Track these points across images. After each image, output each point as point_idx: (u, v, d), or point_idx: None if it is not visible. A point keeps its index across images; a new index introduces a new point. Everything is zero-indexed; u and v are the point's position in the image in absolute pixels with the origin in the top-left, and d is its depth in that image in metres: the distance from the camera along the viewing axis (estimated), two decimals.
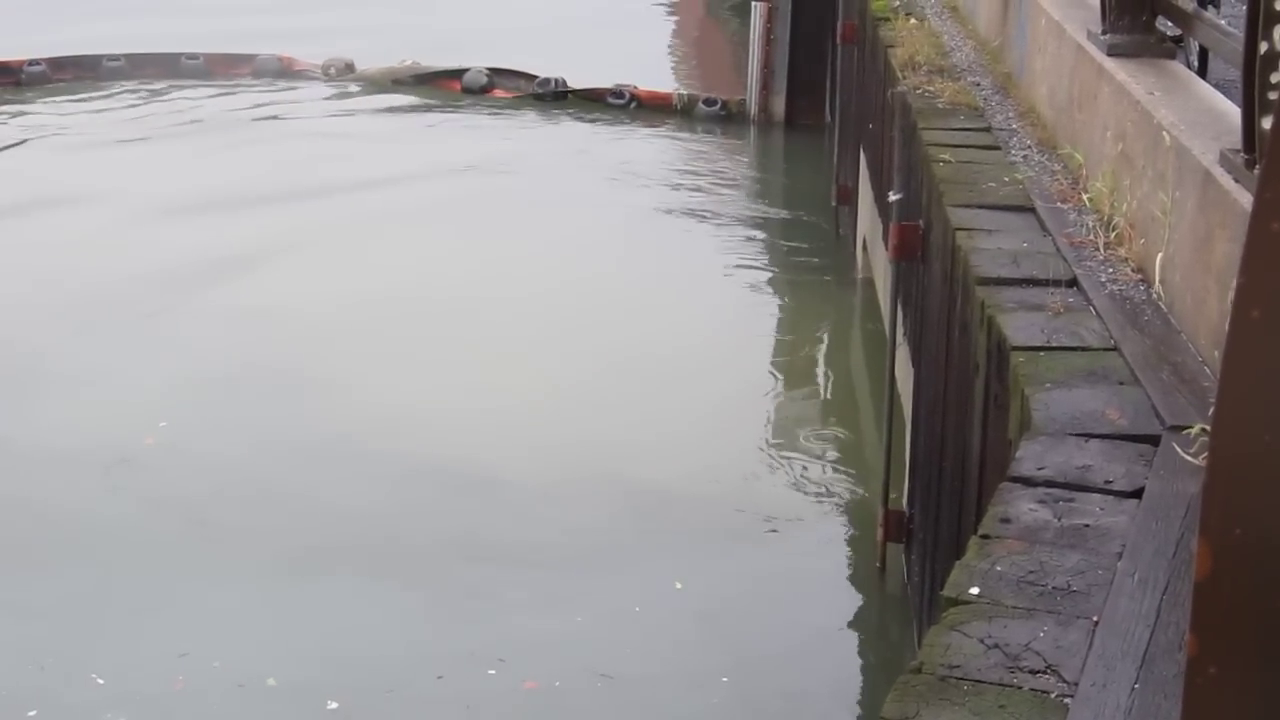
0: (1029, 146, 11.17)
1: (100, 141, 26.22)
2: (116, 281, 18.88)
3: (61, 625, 11.64)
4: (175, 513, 13.31)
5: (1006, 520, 5.93)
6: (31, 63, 30.50)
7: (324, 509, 13.31)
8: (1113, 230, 8.91)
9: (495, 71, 30.31)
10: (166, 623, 11.64)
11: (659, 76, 31.40)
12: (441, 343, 16.98)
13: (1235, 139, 7.25)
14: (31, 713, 10.55)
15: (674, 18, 40.52)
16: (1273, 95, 6.69)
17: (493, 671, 10.96)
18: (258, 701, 10.71)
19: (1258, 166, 6.81)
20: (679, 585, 12.15)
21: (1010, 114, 12.19)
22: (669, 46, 37.21)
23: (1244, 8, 6.98)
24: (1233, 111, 7.90)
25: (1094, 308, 8.03)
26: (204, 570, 12.38)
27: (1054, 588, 5.43)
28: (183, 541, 12.86)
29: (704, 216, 22.44)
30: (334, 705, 10.57)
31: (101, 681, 10.92)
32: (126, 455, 14.30)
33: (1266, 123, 6.71)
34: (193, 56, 31.35)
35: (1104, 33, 9.99)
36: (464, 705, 10.66)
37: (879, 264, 15.92)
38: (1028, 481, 6.23)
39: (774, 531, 13.06)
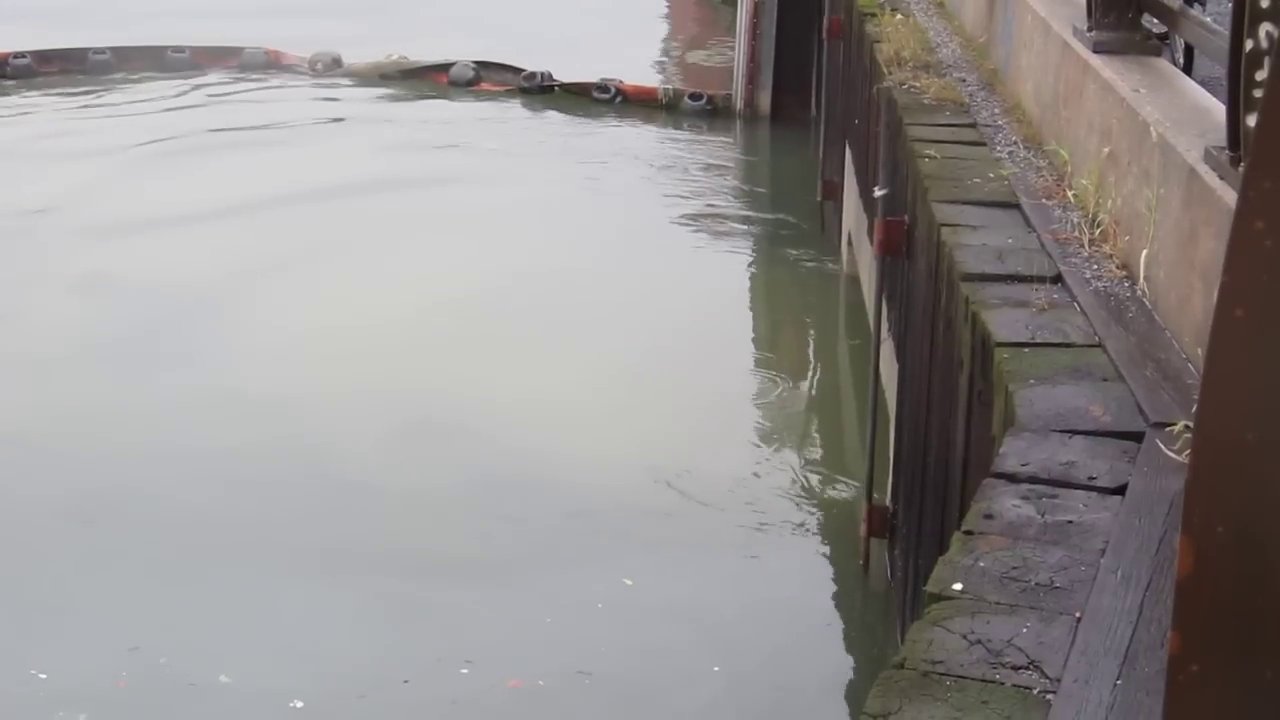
0: (1014, 143, 11.17)
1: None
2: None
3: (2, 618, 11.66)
4: (133, 507, 13.31)
5: (990, 516, 5.93)
6: (17, 55, 30.44)
7: (284, 509, 13.27)
8: (1097, 227, 8.92)
9: (482, 65, 30.31)
10: (116, 618, 11.61)
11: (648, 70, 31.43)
12: (418, 343, 16.93)
13: (1220, 136, 7.26)
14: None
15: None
16: (1257, 93, 6.69)
17: (465, 671, 10.93)
18: (212, 699, 10.66)
19: (1242, 164, 6.82)
20: (629, 581, 12.12)
21: (996, 110, 12.19)
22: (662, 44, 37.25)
23: (1229, 5, 6.98)
24: (1218, 109, 7.91)
25: (1078, 304, 8.03)
26: (162, 566, 12.34)
27: (1037, 584, 5.43)
28: (138, 537, 12.83)
29: (688, 212, 22.43)
30: (299, 704, 10.52)
31: (44, 677, 10.87)
32: (85, 449, 14.31)
33: (1251, 120, 6.71)
34: (179, 50, 31.28)
35: (1090, 29, 10.00)
36: (450, 702, 10.63)
37: (864, 259, 15.92)
38: (1011, 478, 6.23)
39: (757, 526, 13.06)
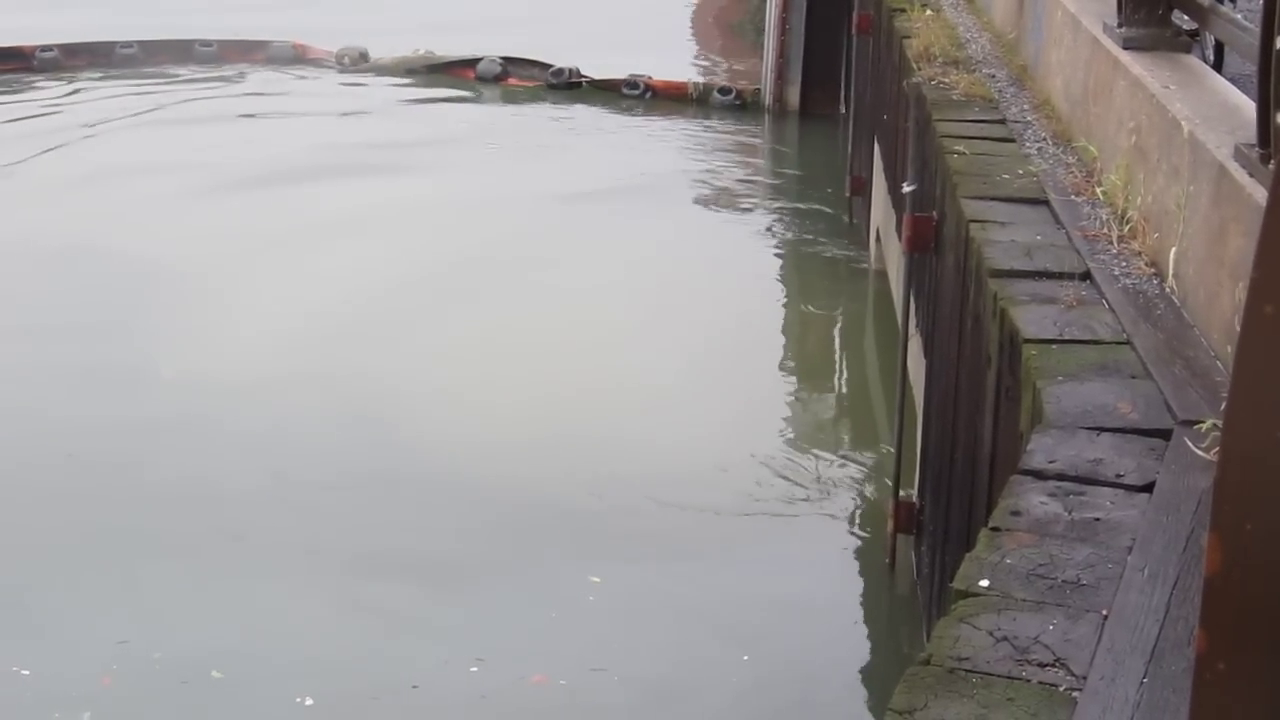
0: (1044, 139, 11.14)
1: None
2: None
3: None
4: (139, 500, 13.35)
5: (1017, 513, 5.92)
6: (44, 48, 30.55)
7: (289, 505, 13.26)
8: (1126, 224, 8.90)
9: (509, 60, 30.30)
10: (101, 612, 11.60)
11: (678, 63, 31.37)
12: (438, 338, 16.94)
13: (1250, 133, 7.24)
14: None
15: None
16: None
17: (474, 669, 10.90)
18: (204, 695, 10.65)
19: (1272, 161, 6.80)
20: (594, 580, 12.08)
21: (1025, 106, 12.17)
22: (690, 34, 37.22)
23: (1260, 2, 6.96)
24: (1248, 106, 7.88)
25: (1107, 301, 8.01)
26: (150, 560, 12.35)
27: (1064, 581, 5.42)
28: (126, 527, 12.86)
29: (717, 206, 22.45)
30: (309, 702, 10.52)
31: (26, 673, 10.86)
32: (82, 434, 14.40)
33: None
34: (206, 43, 31.35)
35: (1120, 26, 9.97)
36: (478, 697, 10.64)
37: (892, 255, 15.90)
38: (1039, 474, 6.22)
39: (784, 522, 13.05)
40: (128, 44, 31.06)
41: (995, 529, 5.82)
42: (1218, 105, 8.43)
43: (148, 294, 18.17)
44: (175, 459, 13.97)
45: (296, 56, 31.57)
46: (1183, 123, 8.12)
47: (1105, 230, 8.98)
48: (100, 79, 29.84)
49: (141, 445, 14.24)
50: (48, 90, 29.19)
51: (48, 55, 30.55)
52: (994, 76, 13.18)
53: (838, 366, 17.41)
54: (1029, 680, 4.85)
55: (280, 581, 12.04)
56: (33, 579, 12.04)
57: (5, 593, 11.87)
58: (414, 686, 10.70)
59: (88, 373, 15.78)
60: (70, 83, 29.64)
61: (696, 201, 22.55)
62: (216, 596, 11.82)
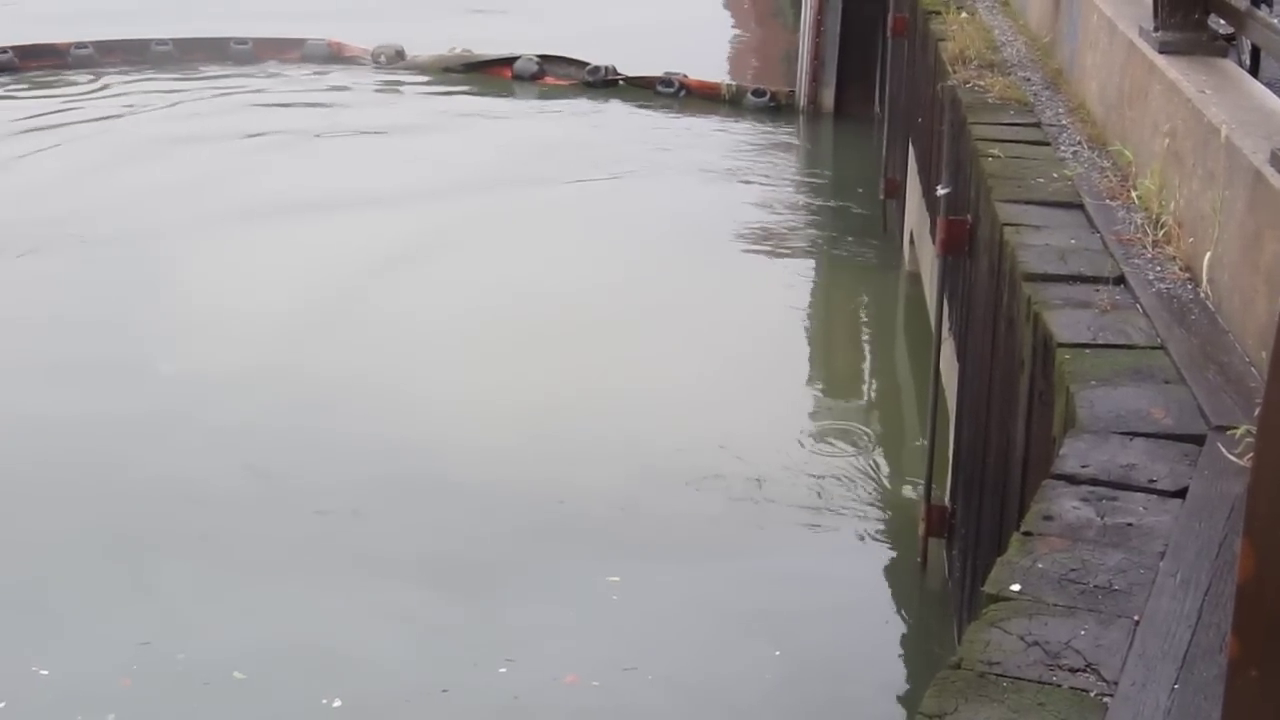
0: (1078, 143, 11.13)
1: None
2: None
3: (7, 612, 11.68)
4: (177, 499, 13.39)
5: (1049, 517, 5.92)
6: (79, 45, 30.66)
7: (304, 507, 13.26)
8: (1161, 228, 8.88)
9: (546, 59, 30.32)
10: (126, 612, 11.63)
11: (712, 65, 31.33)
12: (470, 337, 16.97)
13: None
14: (1, 704, 10.52)
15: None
16: None
17: (503, 670, 10.90)
18: (227, 696, 10.68)
19: None
20: (612, 580, 12.08)
21: (1060, 110, 12.15)
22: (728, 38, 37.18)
23: None
24: None
25: (1141, 306, 8.00)
26: (175, 562, 12.37)
27: (1095, 586, 5.42)
28: (151, 530, 12.87)
29: (749, 208, 22.41)
30: (337, 703, 10.53)
31: (45, 673, 10.88)
32: (96, 432, 14.46)
33: None
34: (241, 41, 31.40)
35: (1156, 30, 9.95)
36: (511, 698, 10.65)
37: (926, 258, 15.88)
38: (1071, 479, 6.22)
39: (815, 524, 13.05)
40: (163, 41, 31.14)
41: (1027, 533, 5.82)
42: (1254, 110, 8.41)
43: (160, 291, 18.30)
44: (193, 459, 14.01)
45: (332, 55, 31.59)
46: (1219, 127, 8.11)
47: (1140, 235, 8.97)
48: (133, 76, 29.93)
49: (158, 445, 14.29)
50: (79, 86, 29.28)
51: (83, 52, 30.65)
52: (1029, 80, 13.16)
53: (870, 368, 17.38)
54: (1060, 685, 4.85)
55: (297, 583, 12.05)
56: (49, 578, 12.08)
57: (22, 591, 11.91)
58: (444, 691, 10.70)
59: (99, 370, 15.85)
60: (99, 79, 29.73)
61: (727, 204, 22.51)
62: (235, 598, 11.84)
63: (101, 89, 29.10)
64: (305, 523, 12.97)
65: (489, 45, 30.98)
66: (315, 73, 30.53)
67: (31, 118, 26.78)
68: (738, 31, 37.44)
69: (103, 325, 17.16)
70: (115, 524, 12.86)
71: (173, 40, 31.18)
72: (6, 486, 13.46)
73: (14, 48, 30.40)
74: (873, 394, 16.51)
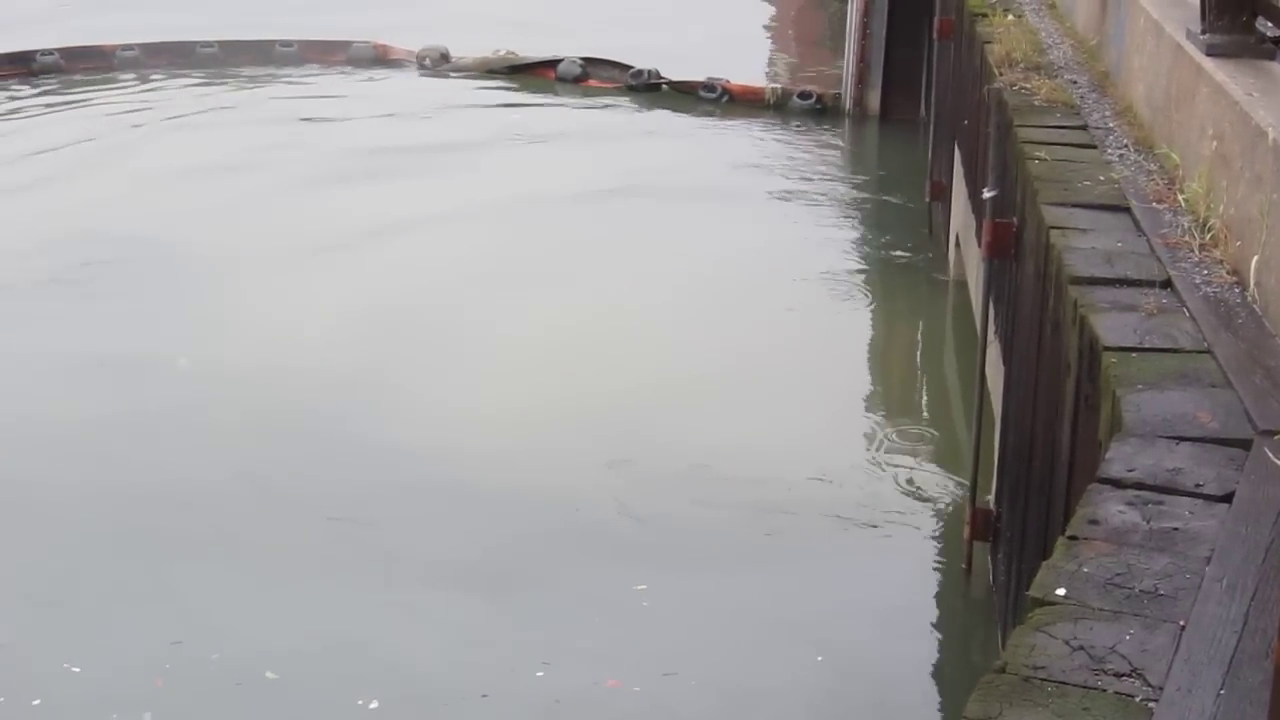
0: (1125, 145, 11.09)
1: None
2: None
3: (41, 608, 11.73)
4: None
5: (1095, 522, 5.90)
6: (125, 48, 30.83)
7: (334, 509, 13.28)
8: (1208, 232, 8.84)
9: (589, 61, 30.35)
10: (157, 611, 11.65)
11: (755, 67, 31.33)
12: (501, 345, 16.96)
13: None
14: (36, 701, 10.57)
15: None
16: None
17: (540, 674, 10.89)
18: (271, 695, 10.70)
19: None
20: (640, 587, 12.05)
21: (1107, 112, 12.11)
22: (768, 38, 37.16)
23: None
24: None
25: (1187, 309, 7.97)
26: (209, 562, 12.41)
27: (1141, 591, 5.40)
28: (186, 528, 12.92)
29: (794, 210, 22.40)
30: (374, 705, 10.53)
31: (76, 670, 10.90)
32: (145, 433, 14.51)
33: None
34: (286, 44, 31.51)
35: (1203, 32, 9.91)
36: (553, 701, 10.65)
37: (971, 261, 15.84)
38: (1117, 483, 6.20)
39: (860, 527, 13.02)
40: (208, 44, 31.27)
41: (1073, 537, 5.80)
42: None
43: (191, 290, 18.38)
44: (224, 457, 14.05)
45: (378, 57, 31.68)
46: (1267, 130, 8.07)
47: (1187, 238, 8.93)
48: (179, 78, 30.08)
49: (183, 445, 14.34)
50: (125, 88, 29.47)
51: (128, 54, 30.81)
52: (1075, 82, 13.12)
53: (914, 372, 17.36)
54: (1105, 690, 4.84)
55: (326, 585, 12.06)
56: (76, 577, 12.11)
57: (50, 590, 11.95)
58: (484, 696, 10.70)
59: (126, 370, 15.92)
60: (146, 81, 29.90)
61: (774, 205, 22.51)
62: (264, 599, 11.86)
63: (146, 91, 29.26)
64: (332, 525, 12.99)
65: (532, 48, 31.07)
66: (361, 75, 30.64)
67: (73, 120, 27.01)
68: (780, 38, 37.42)
69: (134, 327, 17.26)
70: (141, 524, 12.89)
71: (218, 42, 31.31)
72: (35, 486, 13.52)
73: (60, 49, 30.60)
74: (916, 397, 16.48)
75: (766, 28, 36.76)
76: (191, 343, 16.69)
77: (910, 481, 13.81)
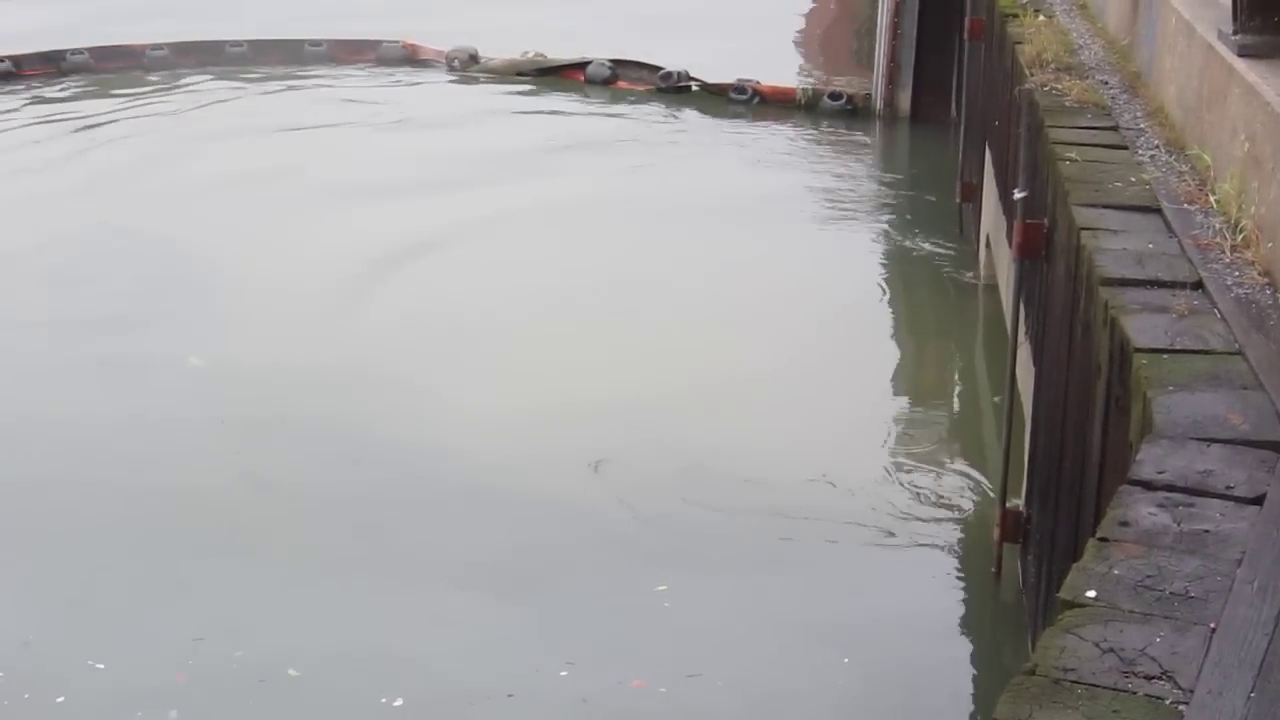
0: (1156, 146, 11.06)
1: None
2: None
3: (65, 606, 11.75)
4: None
5: (1125, 523, 5.88)
6: (154, 47, 30.96)
7: (355, 508, 13.30)
8: (1240, 233, 8.81)
9: (619, 63, 30.35)
10: (178, 608, 11.69)
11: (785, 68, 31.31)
12: (522, 339, 17.01)
13: None
14: (60, 698, 10.60)
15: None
16: None
17: (564, 674, 10.90)
18: (295, 692, 10.72)
19: None
20: (660, 588, 12.02)
21: (1138, 113, 12.08)
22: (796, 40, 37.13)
23: None
24: None
25: (1219, 311, 7.94)
26: (234, 557, 12.47)
27: (1171, 593, 5.39)
28: (210, 527, 12.97)
29: (826, 212, 22.39)
30: (399, 703, 10.54)
31: (101, 667, 10.94)
32: (159, 431, 14.56)
33: None
34: (316, 43, 31.61)
35: (1235, 33, 9.88)
36: (579, 701, 10.65)
37: (1002, 262, 15.81)
38: (1148, 485, 6.18)
39: (890, 528, 12.99)
40: (237, 43, 31.39)
41: (1103, 539, 5.78)
42: None
43: (200, 290, 18.44)
44: (246, 456, 14.12)
45: (407, 57, 31.76)
46: None
47: (1218, 239, 8.91)
48: (208, 78, 30.19)
49: (209, 444, 14.39)
50: (151, 87, 29.59)
51: (158, 54, 30.95)
52: (1106, 83, 13.09)
53: (943, 374, 17.31)
54: (1135, 692, 4.82)
55: (345, 583, 12.10)
56: (96, 575, 12.16)
57: (71, 587, 11.99)
58: (509, 695, 10.70)
59: (142, 366, 16.02)
60: (176, 80, 30.00)
61: (802, 207, 22.49)
62: (283, 597, 11.91)
63: (173, 89, 29.37)
64: (354, 525, 13.01)
65: (561, 48, 31.11)
66: (389, 76, 30.70)
67: (99, 115, 27.18)
68: (810, 36, 37.40)
69: (154, 321, 17.38)
70: (162, 523, 12.95)
71: (247, 42, 31.44)
72: (54, 483, 13.59)
73: (90, 49, 30.75)
74: (947, 398, 16.45)
75: (796, 43, 36.67)
76: (209, 343, 16.75)
77: (937, 483, 13.78)
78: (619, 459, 14.11)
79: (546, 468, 13.94)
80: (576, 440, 14.44)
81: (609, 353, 16.55)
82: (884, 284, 19.55)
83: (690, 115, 28.38)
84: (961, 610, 12.06)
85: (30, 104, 28.44)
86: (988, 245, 18.15)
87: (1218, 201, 9.41)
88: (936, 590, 12.31)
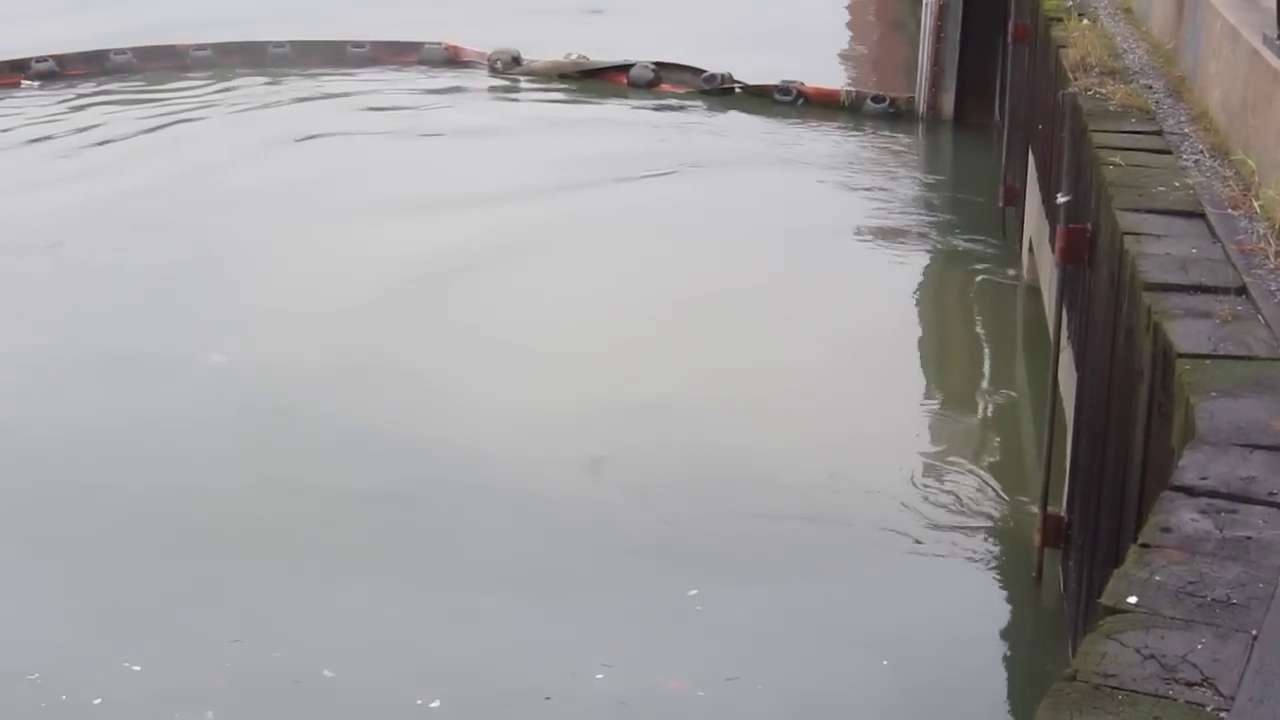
0: (1200, 151, 11.02)
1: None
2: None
3: (100, 609, 11.78)
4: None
5: (1167, 529, 5.86)
6: (198, 47, 31.11)
7: (386, 511, 13.33)
8: None
9: (662, 66, 30.33)
10: (212, 611, 11.72)
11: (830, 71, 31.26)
12: (573, 346, 17.00)
13: None
14: (97, 700, 10.64)
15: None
16: None
17: (600, 676, 10.91)
18: (331, 693, 10.74)
19: None
20: (691, 593, 11.99)
21: (1182, 118, 12.03)
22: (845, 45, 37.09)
23: None
24: None
25: (1262, 317, 7.91)
26: (266, 559, 12.50)
27: (1213, 600, 5.37)
28: (246, 530, 12.99)
29: (867, 214, 22.35)
30: (435, 704, 10.55)
31: (137, 668, 10.98)
32: (186, 433, 14.61)
33: None
34: (358, 44, 31.66)
35: (1279, 38, 9.84)
36: (618, 703, 10.65)
37: (1045, 266, 15.77)
38: (1190, 491, 6.16)
39: (931, 533, 12.95)
40: (280, 44, 31.49)
41: (1145, 545, 5.76)
42: None
43: (229, 290, 18.54)
44: (278, 459, 14.18)
45: (449, 59, 31.79)
46: None
47: (1262, 245, 8.87)
48: (250, 78, 30.27)
49: (241, 445, 14.45)
50: (194, 85, 29.72)
51: (201, 54, 31.07)
52: (1151, 87, 13.04)
53: (987, 377, 17.26)
54: (1176, 699, 4.81)
55: (376, 585, 12.14)
56: (129, 577, 12.21)
57: (105, 590, 12.02)
58: (546, 698, 10.71)
59: (167, 367, 16.09)
60: (220, 80, 30.10)
61: (844, 210, 22.46)
62: (316, 599, 11.96)
63: (214, 90, 29.46)
64: (390, 528, 13.06)
65: (605, 50, 31.09)
66: (432, 79, 30.74)
67: (140, 116, 27.32)
68: (855, 37, 37.35)
69: (178, 321, 17.46)
70: (196, 524, 13.02)
71: (290, 43, 31.51)
72: (86, 485, 13.63)
73: (133, 49, 30.91)
74: (989, 402, 16.39)
75: (844, 56, 36.62)
76: (240, 343, 16.81)
77: (979, 488, 13.74)
78: (655, 464, 14.11)
79: (582, 473, 13.94)
80: (614, 445, 14.45)
81: (649, 359, 16.53)
82: (924, 288, 19.51)
83: (733, 117, 28.34)
84: (1001, 615, 12.02)
85: (73, 101, 28.58)
86: (1030, 249, 18.10)
87: (1262, 207, 9.37)
88: (976, 595, 12.28)
